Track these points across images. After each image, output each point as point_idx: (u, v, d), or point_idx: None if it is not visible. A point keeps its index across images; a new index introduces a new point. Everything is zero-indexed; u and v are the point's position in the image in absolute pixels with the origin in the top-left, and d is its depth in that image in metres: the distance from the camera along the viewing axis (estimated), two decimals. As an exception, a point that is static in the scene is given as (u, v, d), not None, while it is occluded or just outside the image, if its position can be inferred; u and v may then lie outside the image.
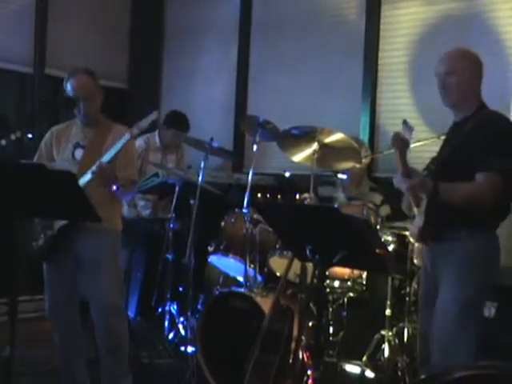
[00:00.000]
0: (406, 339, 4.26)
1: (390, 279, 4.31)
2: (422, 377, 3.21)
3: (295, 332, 3.74)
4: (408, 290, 4.30)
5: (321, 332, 3.71)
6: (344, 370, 4.20)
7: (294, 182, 4.79)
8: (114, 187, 3.69)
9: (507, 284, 3.90)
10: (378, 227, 4.30)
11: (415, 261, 3.88)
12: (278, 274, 4.35)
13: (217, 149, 4.92)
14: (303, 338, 3.71)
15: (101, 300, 3.74)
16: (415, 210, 3.15)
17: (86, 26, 6.54)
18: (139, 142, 5.45)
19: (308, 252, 2.81)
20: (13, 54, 6.09)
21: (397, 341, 4.23)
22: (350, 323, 4.50)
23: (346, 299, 4.47)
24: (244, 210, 4.45)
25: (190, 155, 5.76)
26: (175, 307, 4.98)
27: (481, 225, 3.07)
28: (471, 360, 2.96)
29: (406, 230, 4.09)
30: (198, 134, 5.35)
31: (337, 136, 4.17)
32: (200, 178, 4.69)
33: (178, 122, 5.62)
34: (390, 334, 4.24)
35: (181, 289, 4.91)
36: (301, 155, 4.33)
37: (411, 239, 3.44)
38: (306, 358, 3.75)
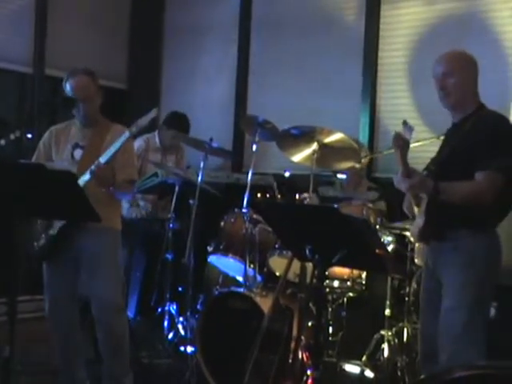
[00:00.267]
0: (405, 339, 4.26)
1: (389, 279, 4.31)
2: (422, 376, 3.21)
3: (295, 332, 3.74)
4: (407, 289, 4.30)
5: (320, 332, 3.70)
6: (343, 369, 4.20)
7: (294, 181, 4.79)
8: (111, 188, 3.71)
9: (507, 284, 3.89)
10: (378, 227, 4.30)
11: (416, 260, 3.89)
12: (277, 274, 4.35)
13: (216, 149, 4.92)
14: (303, 337, 3.72)
15: (101, 298, 3.75)
16: (415, 209, 3.15)
17: (85, 26, 6.54)
18: (139, 143, 5.45)
19: (307, 252, 2.81)
20: (12, 54, 6.09)
21: (396, 341, 4.23)
22: (350, 323, 4.51)
23: (345, 299, 4.48)
24: (243, 210, 4.45)
25: (190, 155, 5.76)
26: (175, 307, 4.98)
27: (481, 224, 3.07)
28: (482, 359, 2.96)
29: (406, 230, 4.10)
30: (197, 134, 5.35)
31: (336, 136, 4.17)
32: (199, 178, 4.69)
33: (179, 122, 5.61)
34: (390, 333, 4.24)
35: (180, 289, 4.91)
36: (300, 155, 4.33)
37: (412, 239, 3.44)
38: (305, 358, 3.75)
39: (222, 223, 4.59)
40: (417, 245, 3.88)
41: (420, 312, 3.39)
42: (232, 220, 4.56)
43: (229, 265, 4.62)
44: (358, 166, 4.62)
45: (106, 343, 3.81)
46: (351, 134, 4.46)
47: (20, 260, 3.12)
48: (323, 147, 4.17)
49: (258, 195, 4.67)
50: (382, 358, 4.21)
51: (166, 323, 4.92)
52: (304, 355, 3.75)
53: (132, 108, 6.72)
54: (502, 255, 3.15)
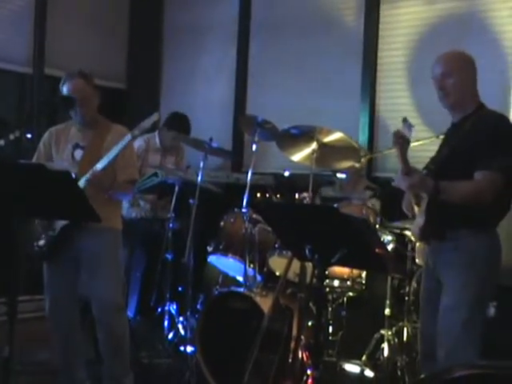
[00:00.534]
0: (405, 338, 4.27)
1: (389, 279, 4.31)
2: (422, 376, 3.21)
3: (295, 331, 3.74)
4: (407, 289, 4.30)
5: (320, 331, 3.70)
6: (343, 369, 4.21)
7: (294, 181, 4.79)
8: (110, 192, 3.72)
9: (507, 284, 3.89)
10: (378, 227, 4.30)
11: (417, 260, 3.88)
12: (277, 274, 4.35)
13: (216, 149, 4.92)
14: (303, 337, 3.72)
15: (102, 298, 3.75)
16: (416, 209, 3.15)
17: (85, 26, 6.53)
18: (139, 143, 5.44)
19: (307, 251, 2.81)
20: (12, 54, 6.08)
21: (396, 340, 4.24)
22: (350, 323, 4.51)
23: (345, 299, 4.48)
24: (243, 210, 4.45)
25: (190, 155, 5.76)
26: (175, 307, 4.98)
27: (482, 223, 3.07)
28: (479, 358, 2.97)
29: (406, 229, 4.10)
30: (197, 134, 5.35)
31: (336, 135, 4.17)
32: (199, 178, 4.69)
33: (180, 123, 5.59)
34: (390, 333, 4.24)
35: (180, 289, 4.91)
36: (300, 155, 4.33)
37: (413, 238, 3.43)
38: (305, 358, 3.75)
39: (222, 223, 4.60)
40: (417, 244, 3.87)
41: (420, 311, 3.39)
42: (232, 220, 4.56)
43: (229, 265, 4.62)
44: (357, 165, 4.62)
45: (106, 343, 3.81)
46: (351, 134, 4.46)
47: (20, 260, 3.12)
48: (323, 147, 4.17)
49: (258, 195, 4.67)
50: (381, 357, 4.21)
51: (166, 323, 4.91)
52: (304, 355, 3.75)
53: (131, 108, 6.72)
54: (502, 255, 3.16)
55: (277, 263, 4.28)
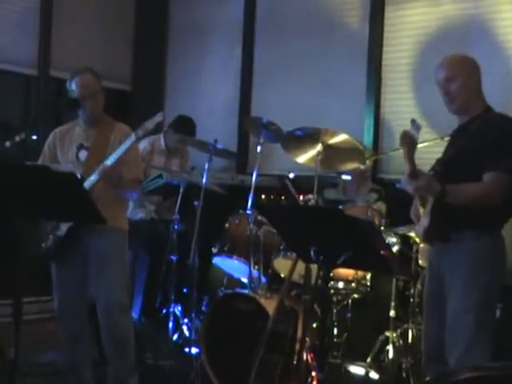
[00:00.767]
0: (410, 340, 4.26)
1: (394, 280, 4.31)
2: (427, 378, 3.21)
3: (299, 333, 3.73)
4: (412, 291, 4.30)
5: (325, 333, 3.71)
6: (348, 371, 4.20)
7: (298, 183, 4.78)
8: (118, 190, 3.72)
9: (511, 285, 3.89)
10: (382, 228, 4.30)
11: (420, 261, 3.88)
12: (282, 276, 4.35)
13: (221, 150, 4.92)
14: (307, 339, 3.71)
15: (107, 298, 3.75)
16: (421, 210, 3.14)
17: (90, 27, 6.55)
18: (144, 144, 5.44)
19: (312, 253, 2.81)
20: (17, 56, 6.10)
21: (401, 342, 4.23)
22: (355, 324, 4.51)
23: (350, 300, 4.48)
24: (248, 212, 4.45)
25: (194, 157, 5.76)
26: (179, 308, 4.99)
27: (486, 225, 3.07)
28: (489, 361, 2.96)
29: (411, 231, 4.09)
30: (202, 136, 5.35)
31: (341, 137, 4.17)
32: (204, 180, 4.70)
33: (185, 126, 5.58)
34: (395, 335, 4.24)
35: (185, 290, 4.92)
36: (305, 156, 4.33)
37: (417, 239, 3.42)
38: (310, 359, 3.75)
39: (227, 225, 4.60)
40: (421, 245, 3.87)
41: (424, 313, 3.39)
42: (236, 221, 4.57)
43: (233, 266, 4.62)
44: (362, 167, 4.62)
45: (110, 344, 3.81)
46: (356, 136, 4.46)
47: (24, 261, 3.12)
48: (328, 148, 4.17)
49: (263, 197, 4.67)
50: (386, 359, 4.21)
51: (170, 324, 4.92)
52: (309, 356, 3.74)
53: (136, 109, 6.72)
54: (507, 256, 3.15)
55: (282, 265, 4.28)
